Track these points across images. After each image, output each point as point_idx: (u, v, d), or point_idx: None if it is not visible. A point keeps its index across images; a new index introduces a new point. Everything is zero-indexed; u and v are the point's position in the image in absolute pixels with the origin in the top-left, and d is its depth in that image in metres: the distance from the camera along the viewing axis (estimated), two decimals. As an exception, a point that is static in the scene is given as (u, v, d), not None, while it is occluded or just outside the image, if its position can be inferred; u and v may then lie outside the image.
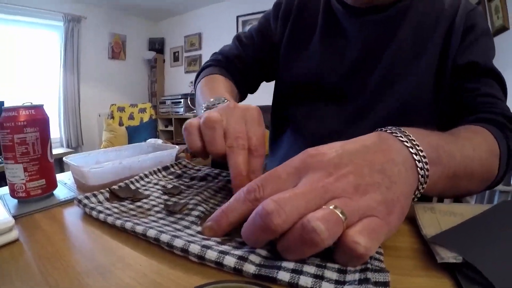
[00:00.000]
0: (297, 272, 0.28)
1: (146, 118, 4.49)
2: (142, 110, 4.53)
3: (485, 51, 0.62)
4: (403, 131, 0.37)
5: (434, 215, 0.40)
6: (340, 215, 0.27)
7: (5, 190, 0.55)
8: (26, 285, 0.29)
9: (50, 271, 0.32)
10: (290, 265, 0.29)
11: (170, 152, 0.74)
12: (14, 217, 0.42)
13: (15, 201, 0.53)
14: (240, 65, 0.85)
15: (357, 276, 0.27)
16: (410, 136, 0.36)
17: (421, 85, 0.64)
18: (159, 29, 5.79)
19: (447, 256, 0.30)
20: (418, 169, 0.34)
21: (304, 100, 0.77)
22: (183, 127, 0.47)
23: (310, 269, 0.29)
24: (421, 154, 0.35)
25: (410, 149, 0.34)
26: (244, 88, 0.87)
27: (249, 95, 0.90)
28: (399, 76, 0.65)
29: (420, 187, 0.35)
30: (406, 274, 0.30)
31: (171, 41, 5.65)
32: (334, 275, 0.28)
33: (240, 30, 4.62)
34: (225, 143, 0.43)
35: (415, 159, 0.34)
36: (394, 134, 0.36)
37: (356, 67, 0.70)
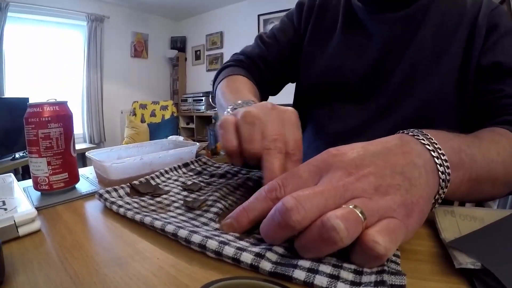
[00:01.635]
0: (313, 271, 0.28)
1: (167, 115, 4.56)
2: (164, 108, 4.60)
3: (509, 51, 0.59)
4: (425, 134, 0.36)
5: (454, 218, 0.39)
6: (360, 215, 0.27)
7: (29, 182, 0.57)
8: (47, 273, 0.30)
9: (70, 260, 0.33)
10: (306, 264, 0.29)
11: (190, 149, 0.75)
12: (37, 208, 0.43)
13: (38, 193, 0.54)
14: (263, 65, 0.84)
15: (373, 278, 0.27)
16: (432, 139, 0.35)
17: (443, 86, 0.62)
18: (181, 28, 5.86)
19: (465, 261, 0.29)
20: (439, 173, 0.34)
21: (325, 99, 0.77)
22: (217, 124, 0.43)
23: (326, 268, 0.28)
24: (442, 158, 0.34)
25: (432, 152, 0.34)
26: (266, 90, 0.86)
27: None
28: (420, 77, 0.64)
29: (440, 191, 0.35)
30: (423, 278, 0.29)
31: (193, 40, 5.71)
32: (350, 276, 0.28)
33: (261, 28, 4.63)
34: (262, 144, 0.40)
35: (436, 163, 0.34)
36: (416, 136, 0.35)
37: (377, 67, 0.69)
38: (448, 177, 0.34)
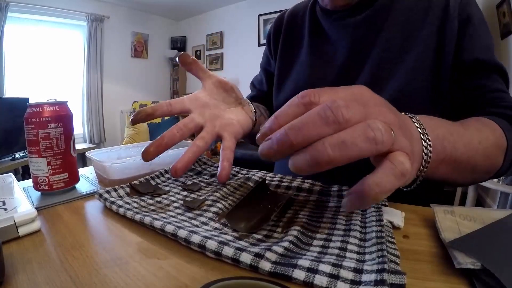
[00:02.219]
0: (312, 271, 0.28)
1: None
2: (163, 108, 4.60)
3: (488, 45, 0.60)
4: (418, 119, 0.37)
5: (454, 218, 0.39)
6: (393, 133, 0.27)
7: (29, 182, 0.57)
8: (46, 273, 0.30)
9: (70, 260, 0.33)
10: (306, 263, 0.29)
11: (189, 149, 0.75)
12: (37, 208, 0.44)
13: (38, 193, 0.54)
14: (262, 100, 0.89)
15: (373, 276, 0.27)
16: (423, 126, 0.37)
17: (412, 83, 0.61)
18: (181, 28, 5.85)
19: (465, 261, 0.29)
20: (423, 154, 0.35)
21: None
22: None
23: (325, 268, 0.28)
24: (428, 143, 0.36)
25: (421, 136, 0.36)
26: None
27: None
28: (387, 76, 0.64)
29: (418, 173, 0.37)
30: (423, 278, 0.29)
31: (193, 40, 5.70)
32: (350, 275, 0.28)
33: (261, 28, 4.62)
34: None
35: (422, 145, 0.36)
36: (411, 118, 0.37)
37: (343, 72, 0.69)
38: (428, 160, 0.36)
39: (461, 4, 0.61)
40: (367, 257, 0.31)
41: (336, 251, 0.33)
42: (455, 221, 0.38)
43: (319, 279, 0.27)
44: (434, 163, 0.38)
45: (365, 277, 0.27)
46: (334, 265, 0.29)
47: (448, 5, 0.61)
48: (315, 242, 0.36)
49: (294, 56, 0.79)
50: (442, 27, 0.61)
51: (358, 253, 0.33)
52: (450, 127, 0.44)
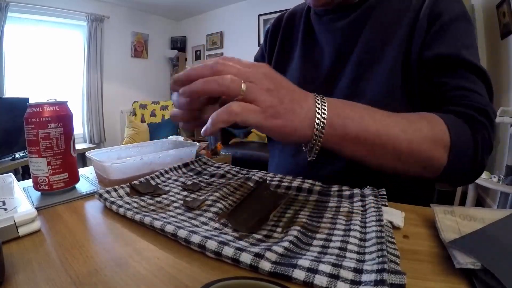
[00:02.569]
0: (313, 271, 0.28)
1: (167, 115, 4.56)
2: (164, 108, 4.60)
3: (456, 40, 0.57)
4: (322, 98, 0.43)
5: (454, 218, 0.39)
6: (243, 85, 0.38)
7: (29, 182, 0.57)
8: (46, 273, 0.30)
9: (70, 260, 0.33)
10: (306, 263, 0.29)
11: (190, 149, 0.75)
12: (37, 208, 0.44)
13: (38, 193, 0.54)
14: None
15: (373, 276, 0.27)
16: (324, 103, 0.42)
17: (388, 82, 0.61)
18: (181, 28, 5.85)
19: (465, 261, 0.29)
20: (315, 124, 0.41)
21: None
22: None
23: (325, 268, 0.28)
24: (323, 115, 0.41)
25: (317, 109, 0.41)
26: None
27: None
28: (366, 76, 0.64)
29: (315, 138, 0.41)
30: (423, 278, 0.29)
31: (193, 40, 5.70)
32: (350, 275, 0.28)
33: (261, 28, 4.62)
34: None
35: (316, 116, 0.41)
36: (315, 96, 0.43)
37: (329, 76, 0.70)
38: (322, 131, 0.41)
39: (435, 3, 0.59)
40: (367, 257, 0.31)
41: (336, 251, 0.33)
42: (455, 221, 0.38)
43: (319, 279, 0.27)
44: (334, 138, 0.42)
45: (365, 277, 0.27)
46: (334, 265, 0.29)
47: (423, 5, 0.60)
48: (315, 242, 0.36)
49: (288, 59, 0.80)
50: (413, 27, 0.60)
51: (358, 253, 0.33)
52: (364, 111, 0.45)
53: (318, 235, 0.38)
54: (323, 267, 0.29)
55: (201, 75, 0.38)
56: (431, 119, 0.49)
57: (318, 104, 0.42)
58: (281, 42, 0.83)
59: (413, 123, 0.48)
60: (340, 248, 0.34)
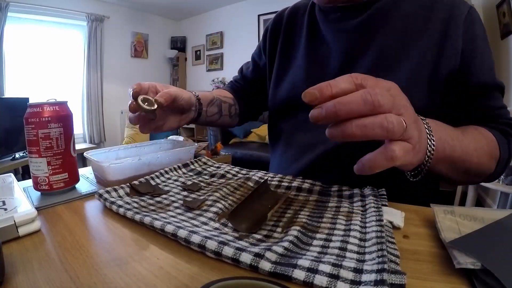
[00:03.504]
0: (312, 271, 0.28)
1: (167, 115, 4.56)
2: (163, 108, 4.60)
3: (490, 65, 0.62)
4: (427, 122, 0.44)
5: (454, 218, 0.39)
6: (404, 123, 0.34)
7: (29, 182, 0.57)
8: (47, 273, 0.30)
9: (70, 260, 0.33)
10: (306, 263, 0.29)
11: (189, 149, 0.75)
12: (37, 208, 0.44)
13: (38, 193, 0.54)
14: (244, 86, 0.95)
15: (373, 276, 0.27)
16: (430, 128, 0.43)
17: (408, 92, 0.60)
18: (181, 28, 5.85)
19: (465, 261, 0.29)
20: (427, 151, 0.42)
21: (292, 111, 0.77)
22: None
23: (325, 268, 0.28)
24: (433, 142, 0.43)
25: (428, 135, 0.42)
26: (249, 109, 0.95)
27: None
28: (382, 77, 0.62)
29: (422, 166, 0.43)
30: (423, 278, 0.29)
31: (193, 40, 5.70)
32: (350, 275, 0.28)
33: (261, 28, 4.62)
34: None
35: (428, 143, 0.42)
36: (422, 119, 0.43)
37: (337, 75, 0.68)
38: (431, 156, 0.43)
39: (466, 21, 0.60)
40: (367, 257, 0.31)
41: (336, 251, 0.33)
42: (455, 221, 0.38)
43: (319, 279, 0.27)
44: (434, 160, 0.44)
45: (365, 277, 0.27)
46: (334, 265, 0.29)
47: (452, 19, 0.60)
48: (315, 242, 0.36)
49: (292, 57, 0.78)
50: (443, 41, 0.60)
51: (358, 253, 0.33)
52: (451, 132, 0.50)
53: (318, 235, 0.38)
54: (323, 267, 0.29)
55: (355, 112, 0.33)
56: (487, 136, 0.57)
57: (428, 129, 0.43)
58: (284, 38, 0.81)
59: (479, 141, 0.55)
60: (340, 248, 0.34)
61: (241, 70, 0.99)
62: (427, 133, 0.42)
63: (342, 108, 0.33)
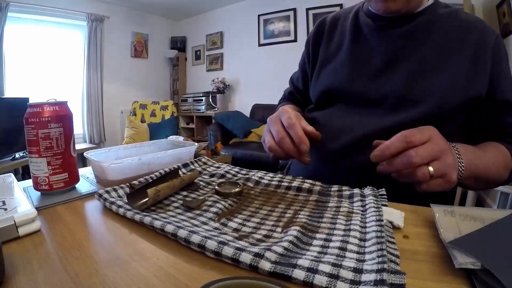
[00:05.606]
0: (312, 271, 0.28)
1: (167, 115, 4.56)
2: (164, 108, 4.60)
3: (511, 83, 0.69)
4: (456, 148, 0.55)
5: (454, 218, 0.39)
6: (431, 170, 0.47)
7: (29, 182, 0.57)
8: (47, 273, 0.30)
9: (70, 260, 0.33)
10: (306, 263, 0.29)
11: (188, 149, 0.75)
12: (37, 208, 0.44)
13: (38, 193, 0.54)
14: (299, 97, 1.01)
15: (372, 276, 0.27)
16: (459, 152, 0.55)
17: (448, 100, 0.65)
18: (181, 28, 5.85)
19: (465, 261, 0.29)
20: (459, 172, 0.53)
21: (329, 103, 0.81)
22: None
23: (325, 268, 0.28)
24: (462, 165, 0.54)
25: (459, 160, 0.54)
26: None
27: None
28: (419, 90, 0.66)
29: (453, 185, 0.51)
30: (423, 278, 0.29)
31: (193, 40, 5.69)
32: (349, 275, 0.28)
33: (261, 28, 4.62)
34: None
35: (459, 167, 0.53)
36: (453, 146, 0.55)
37: (378, 75, 0.72)
38: (461, 176, 0.54)
39: (494, 47, 0.67)
40: (367, 256, 0.31)
41: (336, 251, 0.33)
42: (455, 221, 0.38)
43: (319, 279, 0.27)
44: (462, 178, 0.55)
45: (364, 277, 0.27)
46: (334, 265, 0.29)
47: (483, 43, 0.67)
48: (315, 242, 0.36)
49: (333, 55, 0.83)
50: (475, 61, 0.66)
51: (358, 253, 0.33)
52: (475, 153, 0.60)
53: (318, 235, 0.38)
54: (322, 267, 0.29)
55: (400, 170, 0.49)
56: (503, 150, 0.67)
57: (458, 154, 0.55)
58: (327, 41, 0.86)
59: (497, 156, 0.65)
60: (340, 248, 0.34)
61: (292, 81, 1.04)
62: (458, 157, 0.54)
63: (392, 169, 0.49)
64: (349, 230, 0.38)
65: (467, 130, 0.73)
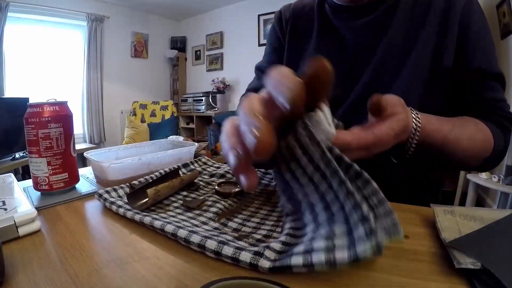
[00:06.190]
0: (309, 252, 0.28)
1: (167, 115, 4.56)
2: (164, 108, 4.61)
3: (487, 53, 0.64)
4: (418, 114, 0.48)
5: (454, 218, 0.39)
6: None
7: (29, 182, 0.57)
8: (46, 273, 0.30)
9: (70, 260, 0.33)
10: (301, 248, 0.29)
11: (189, 149, 0.75)
12: (37, 208, 0.44)
13: (38, 193, 0.54)
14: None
15: (361, 230, 0.26)
16: (418, 117, 0.47)
17: (415, 80, 0.63)
18: (181, 28, 5.85)
19: (465, 261, 0.29)
20: (413, 124, 0.46)
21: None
22: None
23: (320, 244, 0.28)
24: (418, 129, 0.47)
25: (414, 120, 0.47)
26: None
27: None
28: (389, 75, 0.65)
29: (412, 137, 0.47)
30: (423, 278, 0.29)
31: (193, 40, 5.70)
32: (344, 241, 0.28)
33: (261, 28, 4.62)
34: None
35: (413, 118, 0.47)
36: (412, 110, 0.47)
37: (351, 68, 0.70)
38: (418, 134, 0.47)
39: (464, 10, 0.62)
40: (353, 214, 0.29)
41: (325, 225, 0.32)
42: (455, 221, 0.38)
43: (317, 257, 0.27)
44: (421, 135, 0.48)
45: (356, 234, 0.27)
46: (327, 238, 0.29)
47: (450, 9, 0.62)
48: (308, 228, 0.35)
49: (302, 49, 0.79)
50: (442, 28, 0.62)
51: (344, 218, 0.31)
52: (445, 122, 0.53)
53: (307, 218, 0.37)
54: (317, 244, 0.28)
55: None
56: (481, 128, 0.60)
57: (414, 116, 0.47)
58: (291, 31, 0.82)
59: (470, 128, 0.59)
60: (328, 221, 0.32)
61: (260, 71, 0.92)
62: (413, 127, 0.47)
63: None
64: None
65: (451, 112, 0.64)
